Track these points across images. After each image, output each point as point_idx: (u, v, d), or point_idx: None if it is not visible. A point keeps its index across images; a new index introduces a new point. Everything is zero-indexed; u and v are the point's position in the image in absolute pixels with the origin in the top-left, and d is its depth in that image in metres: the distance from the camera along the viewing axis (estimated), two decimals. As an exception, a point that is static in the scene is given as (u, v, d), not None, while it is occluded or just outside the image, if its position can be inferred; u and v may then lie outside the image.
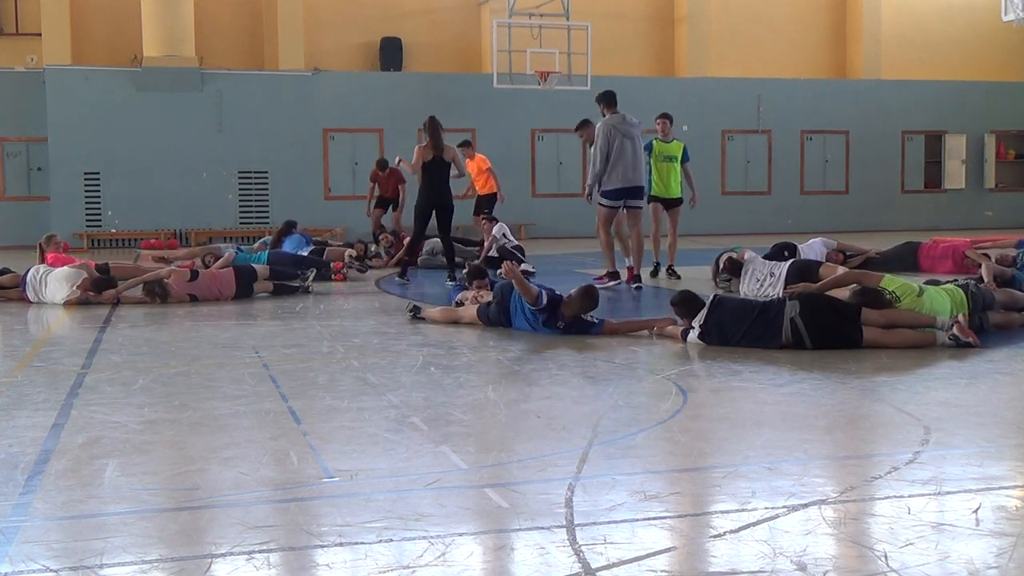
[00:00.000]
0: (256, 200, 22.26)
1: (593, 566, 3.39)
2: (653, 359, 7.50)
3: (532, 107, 23.00)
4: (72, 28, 21.80)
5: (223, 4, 22.81)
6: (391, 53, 23.20)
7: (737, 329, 7.69)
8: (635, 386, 6.64)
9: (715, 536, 3.70)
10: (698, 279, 12.12)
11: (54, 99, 21.09)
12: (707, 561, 3.51)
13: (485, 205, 17.23)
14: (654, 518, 3.90)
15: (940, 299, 7.89)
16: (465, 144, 17.90)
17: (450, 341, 8.29)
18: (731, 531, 3.72)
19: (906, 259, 13.22)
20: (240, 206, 22.18)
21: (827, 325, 7.57)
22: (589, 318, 8.48)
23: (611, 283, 11.99)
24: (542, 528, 3.76)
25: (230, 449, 4.94)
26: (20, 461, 4.73)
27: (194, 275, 11.25)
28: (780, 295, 9.05)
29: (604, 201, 12.03)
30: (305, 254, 14.14)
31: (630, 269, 12.15)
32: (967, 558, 3.42)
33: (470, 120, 22.91)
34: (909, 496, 4.09)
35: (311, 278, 11.93)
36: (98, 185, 21.43)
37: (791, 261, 10.95)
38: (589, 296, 8.42)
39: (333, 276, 13.26)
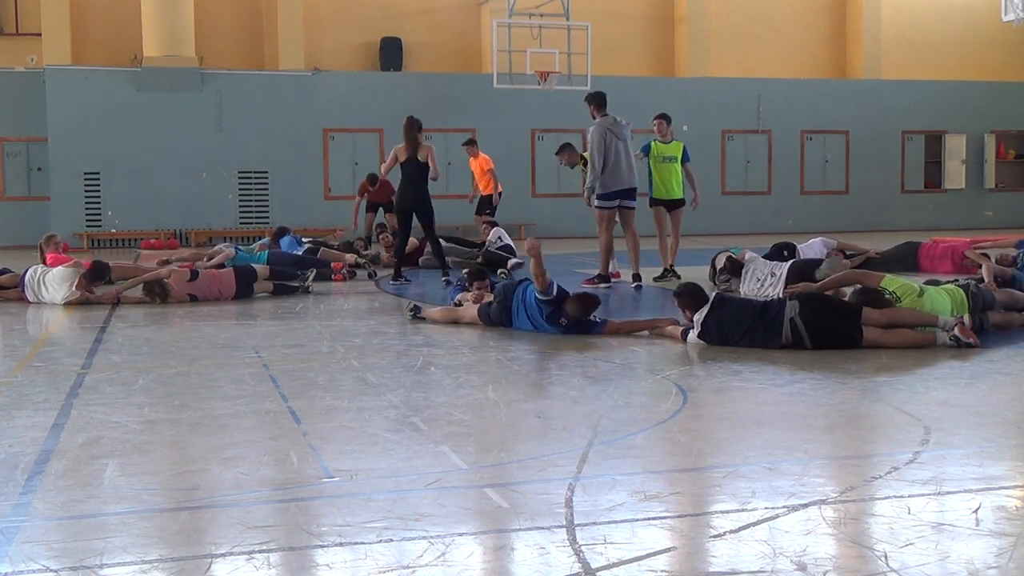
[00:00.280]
0: (256, 200, 22.26)
1: (593, 566, 3.39)
2: (653, 359, 7.50)
3: (532, 107, 23.00)
4: (72, 28, 21.80)
5: (223, 4, 22.81)
6: (391, 53, 23.20)
7: (737, 329, 7.69)
8: (635, 386, 6.64)
9: (715, 536, 3.70)
10: (698, 279, 12.09)
11: (54, 99, 21.09)
12: (707, 561, 3.51)
13: (487, 205, 17.25)
14: (654, 518, 3.90)
15: (940, 299, 7.89)
16: (470, 143, 17.96)
17: (450, 341, 8.29)
18: (731, 531, 3.72)
19: (906, 259, 13.22)
20: (240, 206, 22.18)
21: (827, 325, 7.57)
22: (592, 318, 8.47)
23: (601, 285, 12.04)
24: (542, 528, 3.75)
25: (230, 449, 4.93)
26: (20, 461, 4.73)
27: (194, 275, 11.25)
28: (780, 295, 9.05)
29: (599, 203, 12.10)
30: (300, 254, 14.17)
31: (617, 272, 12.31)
32: (967, 558, 3.42)
33: (470, 120, 22.92)
34: (909, 496, 4.09)
35: (311, 278, 11.94)
36: (98, 185, 21.43)
37: (791, 261, 10.96)
38: (582, 306, 8.39)
39: (333, 276, 13.26)
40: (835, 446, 5.13)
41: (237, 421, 5.56)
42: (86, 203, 21.37)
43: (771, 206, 24.76)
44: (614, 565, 3.39)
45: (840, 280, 8.59)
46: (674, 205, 13.28)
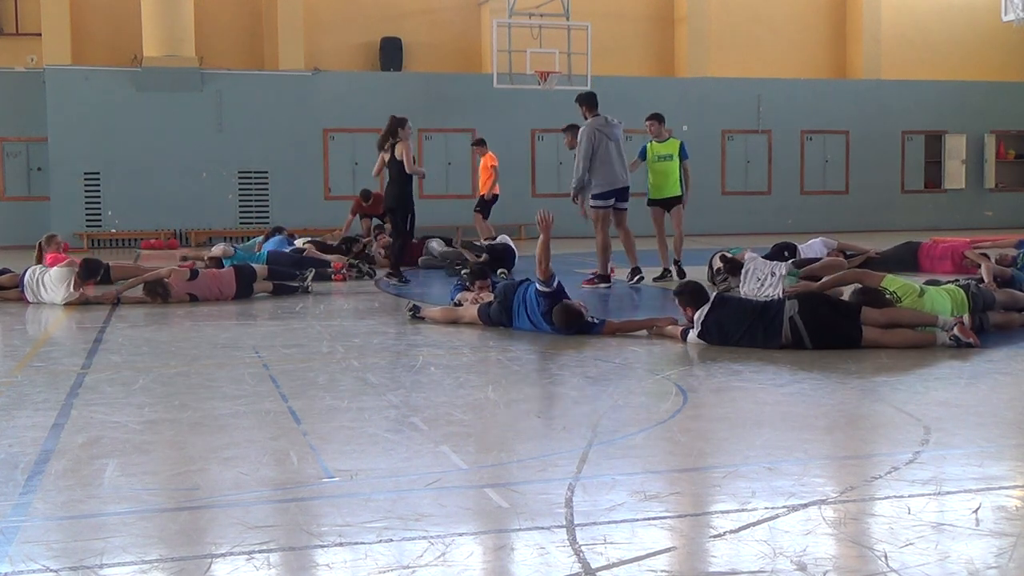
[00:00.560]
0: (256, 200, 22.25)
1: (593, 566, 3.39)
2: (653, 359, 7.50)
3: (532, 107, 22.99)
4: (72, 28, 21.79)
5: (223, 4, 22.80)
6: (391, 53, 23.20)
7: (737, 329, 7.69)
8: (635, 386, 6.64)
9: (715, 536, 3.70)
10: (698, 280, 12.11)
11: (54, 99, 21.09)
12: (707, 561, 3.51)
13: (486, 204, 17.27)
14: (654, 518, 3.90)
15: (941, 299, 7.88)
16: (478, 143, 18.01)
17: (450, 341, 8.29)
18: (731, 531, 3.72)
19: (906, 259, 13.22)
20: (240, 206, 22.18)
21: (826, 324, 7.57)
22: (590, 318, 8.47)
23: (600, 285, 12.09)
24: (542, 528, 3.75)
25: (230, 449, 4.93)
26: (20, 461, 4.73)
27: (194, 275, 11.25)
28: (780, 295, 9.05)
29: (594, 203, 12.16)
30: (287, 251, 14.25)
31: (612, 269, 12.39)
32: (967, 558, 3.42)
33: (470, 120, 22.92)
34: (909, 496, 4.09)
35: (310, 278, 11.94)
36: (98, 185, 21.43)
37: (790, 261, 10.97)
38: (564, 320, 8.30)
39: (333, 276, 13.26)
40: (835, 446, 5.13)
41: (237, 421, 5.56)
42: (86, 203, 21.36)
43: (771, 206, 24.76)
44: (614, 565, 3.39)
45: (840, 279, 8.59)
46: (671, 203, 13.28)
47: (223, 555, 3.53)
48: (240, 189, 22.16)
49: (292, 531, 3.80)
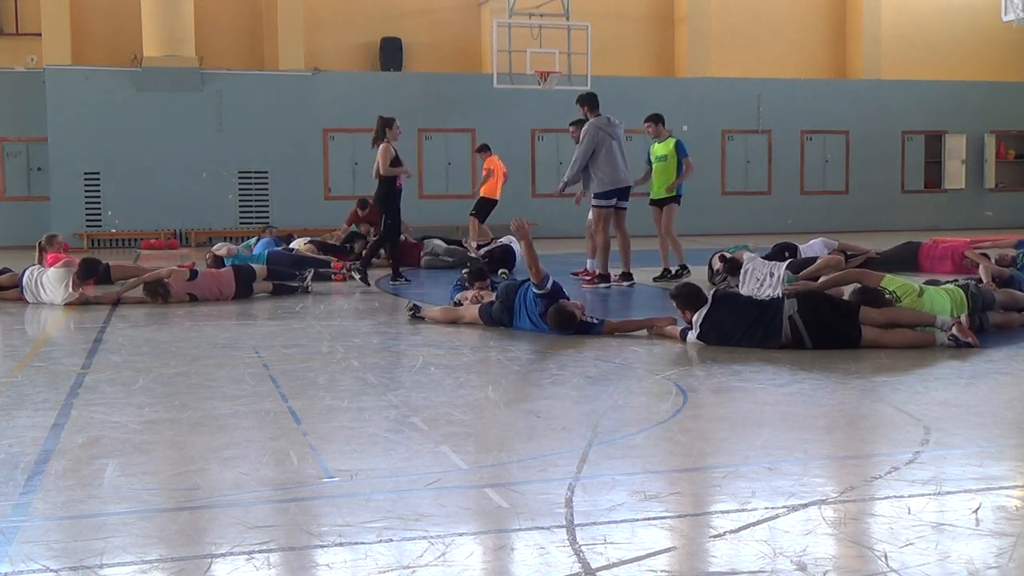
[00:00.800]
0: (256, 200, 22.26)
1: (593, 566, 3.38)
2: (653, 359, 7.50)
3: (532, 107, 22.99)
4: (72, 28, 21.80)
5: (223, 4, 22.81)
6: (391, 53, 23.20)
7: (737, 329, 7.68)
8: (635, 386, 6.64)
9: (715, 536, 3.70)
10: (698, 280, 12.11)
11: (54, 99, 21.09)
12: (707, 561, 3.51)
13: (482, 206, 17.24)
14: (654, 518, 3.90)
15: (940, 299, 7.88)
16: (482, 149, 18.02)
17: (450, 341, 8.29)
18: (731, 531, 3.72)
19: (906, 259, 13.23)
20: (240, 206, 22.18)
21: (826, 323, 7.57)
22: (589, 318, 8.47)
23: (600, 285, 12.11)
24: (542, 528, 3.75)
25: (230, 449, 4.93)
26: (20, 461, 4.73)
27: (194, 275, 11.25)
28: (779, 294, 9.05)
29: (597, 202, 12.19)
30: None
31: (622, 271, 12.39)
32: (967, 558, 3.42)
33: (470, 120, 22.93)
34: (909, 496, 4.09)
35: (310, 278, 11.94)
36: (98, 185, 21.43)
37: (789, 261, 10.98)
38: (558, 321, 8.31)
39: (333, 276, 13.26)
40: (835, 446, 5.13)
41: (237, 421, 5.56)
42: (86, 203, 21.37)
43: (771, 206, 24.76)
44: (614, 565, 3.39)
45: (840, 279, 8.58)
46: (660, 203, 13.29)
47: (223, 555, 3.53)
48: (240, 189, 22.16)
49: (292, 531, 3.79)
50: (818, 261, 10.10)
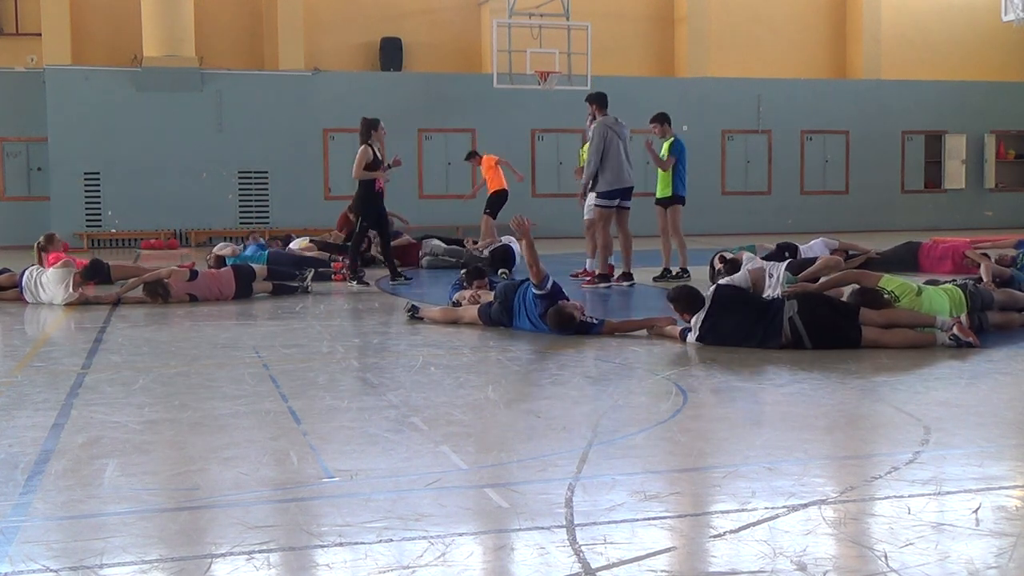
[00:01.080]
0: (256, 200, 22.26)
1: (593, 566, 3.38)
2: (653, 359, 7.49)
3: (532, 107, 23.00)
4: (72, 28, 21.80)
5: (223, 4, 22.81)
6: (391, 53, 23.21)
7: (736, 332, 7.68)
8: (635, 386, 6.64)
9: (715, 536, 3.70)
10: (697, 280, 12.12)
11: (54, 99, 21.09)
12: (707, 561, 3.51)
13: (494, 203, 17.24)
14: (654, 518, 3.90)
15: (939, 299, 7.88)
16: (470, 156, 18.05)
17: (450, 341, 8.29)
18: (731, 531, 3.72)
19: (906, 259, 13.23)
20: (240, 206, 22.18)
21: (825, 324, 7.57)
22: (589, 319, 8.47)
23: (600, 285, 12.13)
24: (542, 528, 3.75)
25: (230, 449, 4.93)
26: (20, 461, 4.73)
27: (193, 275, 11.25)
28: (779, 294, 9.04)
29: (600, 202, 12.19)
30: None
31: (611, 267, 12.42)
32: (967, 558, 3.42)
33: (470, 120, 22.92)
34: (909, 496, 4.09)
35: (310, 278, 11.94)
36: (98, 185, 21.43)
37: (788, 261, 10.97)
38: (557, 322, 8.32)
39: (333, 276, 13.26)
40: (835, 446, 5.13)
41: (237, 421, 5.56)
42: (86, 203, 21.37)
43: (771, 206, 24.76)
44: (614, 565, 3.39)
45: (839, 279, 8.58)
46: (664, 203, 13.29)
47: (223, 555, 3.53)
48: (240, 189, 22.16)
49: (292, 531, 3.79)
50: (817, 262, 10.11)
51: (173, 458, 4.87)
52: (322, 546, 3.61)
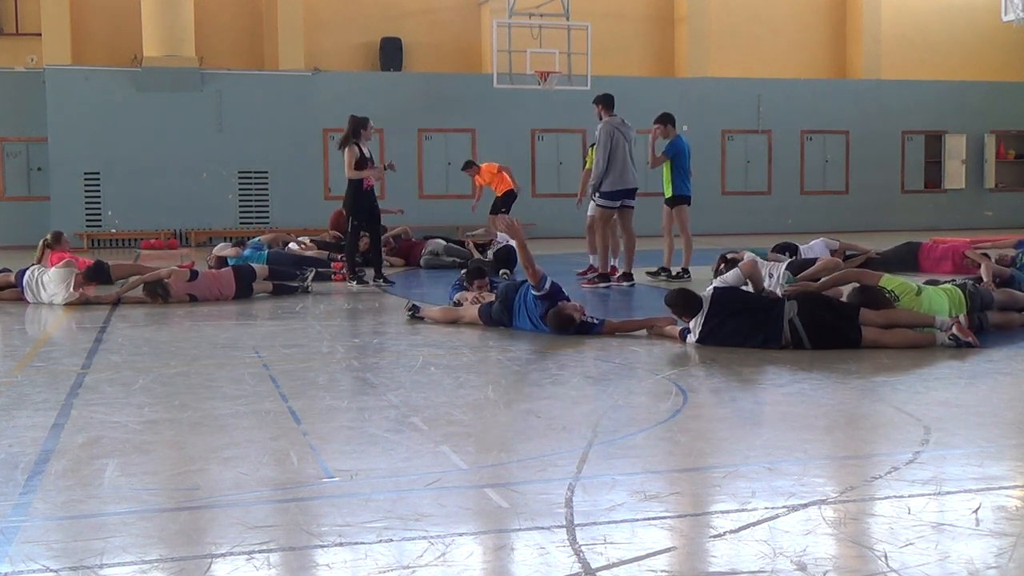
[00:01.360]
0: (256, 200, 22.26)
1: (593, 566, 3.38)
2: (653, 359, 7.49)
3: (532, 107, 23.00)
4: (72, 28, 21.80)
5: (223, 4, 22.81)
6: (391, 53, 23.21)
7: (736, 333, 7.67)
8: (635, 386, 6.64)
9: (715, 536, 3.70)
10: (697, 280, 12.13)
11: (54, 99, 21.10)
12: (707, 561, 3.51)
13: (502, 205, 17.23)
14: (654, 518, 3.90)
15: (938, 299, 7.88)
16: (467, 165, 18.01)
17: (450, 341, 8.29)
18: (731, 531, 3.72)
19: (906, 260, 13.24)
20: (240, 206, 22.18)
21: (825, 325, 7.56)
22: (589, 318, 8.47)
23: (600, 285, 12.15)
24: (542, 528, 3.75)
25: (230, 449, 4.93)
26: (20, 461, 4.73)
27: (193, 275, 11.25)
28: (779, 294, 9.04)
29: (602, 202, 12.21)
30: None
31: (613, 268, 12.44)
32: (967, 558, 3.42)
33: (470, 120, 22.93)
34: (909, 496, 4.09)
35: (310, 278, 11.94)
36: (98, 185, 21.43)
37: (788, 261, 10.98)
38: (557, 324, 8.32)
39: (333, 276, 13.26)
40: (835, 446, 5.13)
41: (237, 421, 5.56)
42: (86, 203, 21.38)
43: (771, 206, 24.77)
44: (614, 565, 3.39)
45: (839, 279, 8.58)
46: (670, 203, 13.30)
47: (223, 555, 3.53)
48: (240, 189, 22.17)
49: (292, 531, 3.79)
50: (817, 263, 10.11)
51: (173, 458, 4.87)
52: (322, 546, 3.61)
